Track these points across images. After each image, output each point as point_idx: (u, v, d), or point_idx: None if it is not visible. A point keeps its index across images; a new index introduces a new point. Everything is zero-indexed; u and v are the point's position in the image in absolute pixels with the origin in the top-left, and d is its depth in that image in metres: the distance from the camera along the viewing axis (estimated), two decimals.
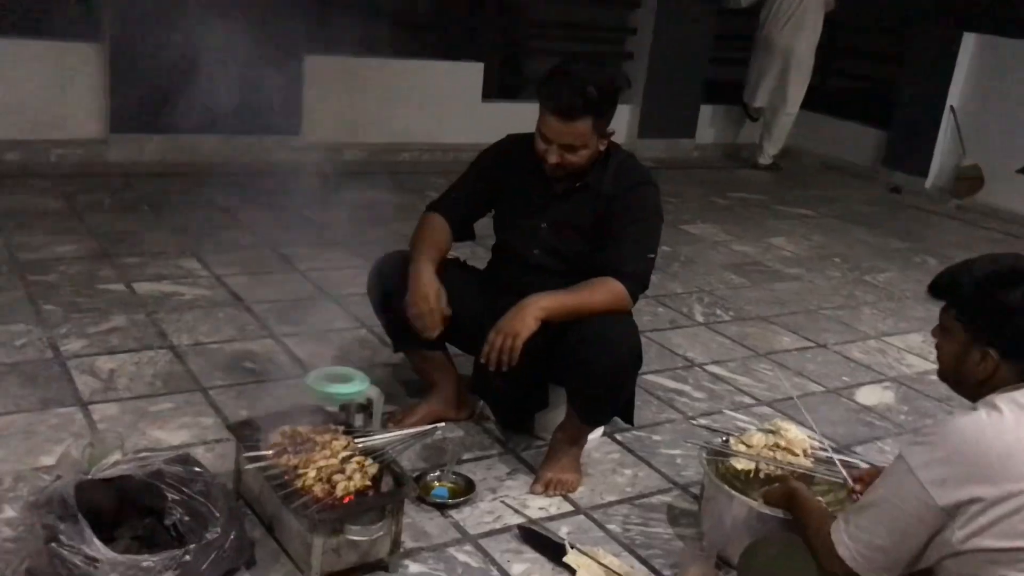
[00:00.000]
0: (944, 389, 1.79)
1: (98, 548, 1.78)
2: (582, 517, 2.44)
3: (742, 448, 2.37)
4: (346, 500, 2.02)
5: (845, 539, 1.73)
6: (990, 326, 1.69)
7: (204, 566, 1.89)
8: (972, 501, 1.57)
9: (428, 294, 2.44)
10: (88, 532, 1.79)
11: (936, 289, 1.77)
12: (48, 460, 2.33)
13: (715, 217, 5.79)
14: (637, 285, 2.46)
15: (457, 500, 2.42)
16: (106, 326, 3.20)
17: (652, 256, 2.52)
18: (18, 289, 3.43)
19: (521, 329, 2.32)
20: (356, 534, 2.02)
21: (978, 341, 1.70)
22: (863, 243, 5.58)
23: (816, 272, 4.89)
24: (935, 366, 1.84)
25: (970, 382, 1.74)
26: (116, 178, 5.03)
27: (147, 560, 1.81)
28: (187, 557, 1.86)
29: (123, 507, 1.97)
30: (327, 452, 2.11)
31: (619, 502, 2.52)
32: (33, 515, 1.89)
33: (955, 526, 1.59)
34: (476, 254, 3.04)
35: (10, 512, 2.15)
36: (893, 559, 1.68)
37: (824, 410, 3.18)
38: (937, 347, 1.80)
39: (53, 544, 1.79)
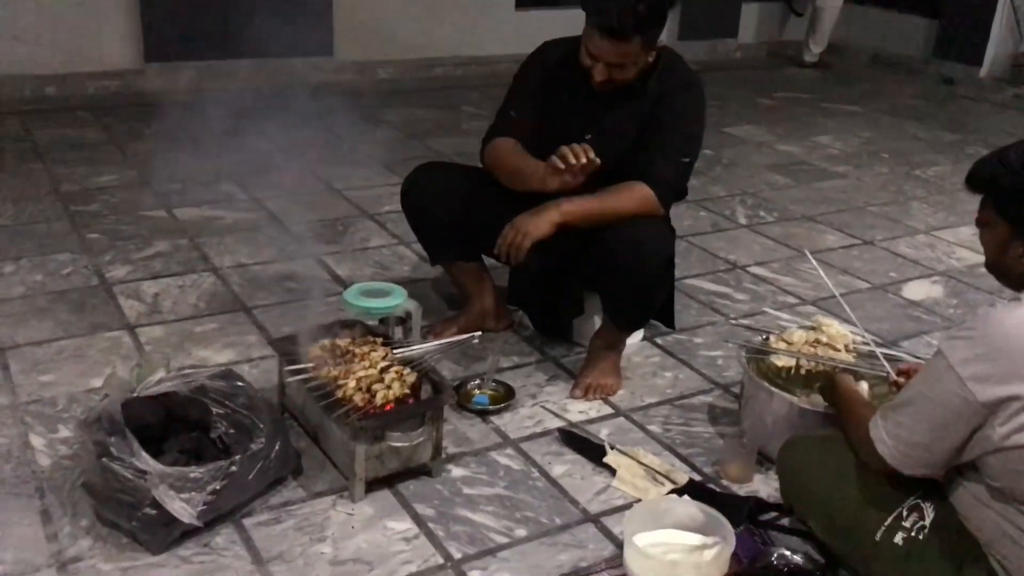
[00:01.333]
0: (994, 281, 1.73)
1: (147, 461, 1.84)
2: (622, 419, 2.45)
3: (782, 346, 2.35)
4: (387, 408, 2.05)
5: (884, 436, 1.71)
6: None
7: (251, 476, 1.95)
8: (1013, 398, 1.53)
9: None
10: (136, 446, 1.85)
11: (973, 181, 1.69)
12: (98, 382, 2.39)
13: (759, 118, 5.64)
14: (667, 190, 2.40)
15: (497, 406, 2.45)
16: (149, 252, 3.26)
17: (687, 160, 2.45)
18: (62, 219, 3.49)
19: (532, 229, 2.29)
20: (397, 440, 2.06)
21: (1018, 234, 1.63)
22: (913, 137, 5.41)
23: (864, 169, 4.76)
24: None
25: (1013, 275, 1.68)
26: (153, 107, 5.05)
27: (194, 471, 1.86)
28: (233, 468, 1.91)
29: (169, 422, 2.02)
30: (366, 363, 2.14)
31: (659, 404, 2.53)
32: (85, 433, 1.95)
33: (996, 423, 1.55)
34: None
35: (65, 432, 2.22)
36: (933, 456, 1.66)
37: (870, 306, 3.13)
38: (980, 239, 1.74)
39: (104, 459, 1.85)
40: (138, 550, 1.87)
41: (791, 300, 3.18)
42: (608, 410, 2.49)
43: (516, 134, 2.52)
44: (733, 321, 2.95)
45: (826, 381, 2.13)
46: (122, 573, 1.81)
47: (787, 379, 2.30)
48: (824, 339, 2.33)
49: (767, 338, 2.41)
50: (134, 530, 1.86)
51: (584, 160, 2.24)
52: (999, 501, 1.61)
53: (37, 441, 2.19)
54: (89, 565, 1.83)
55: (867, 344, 2.30)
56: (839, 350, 2.30)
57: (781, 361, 2.31)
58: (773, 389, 2.20)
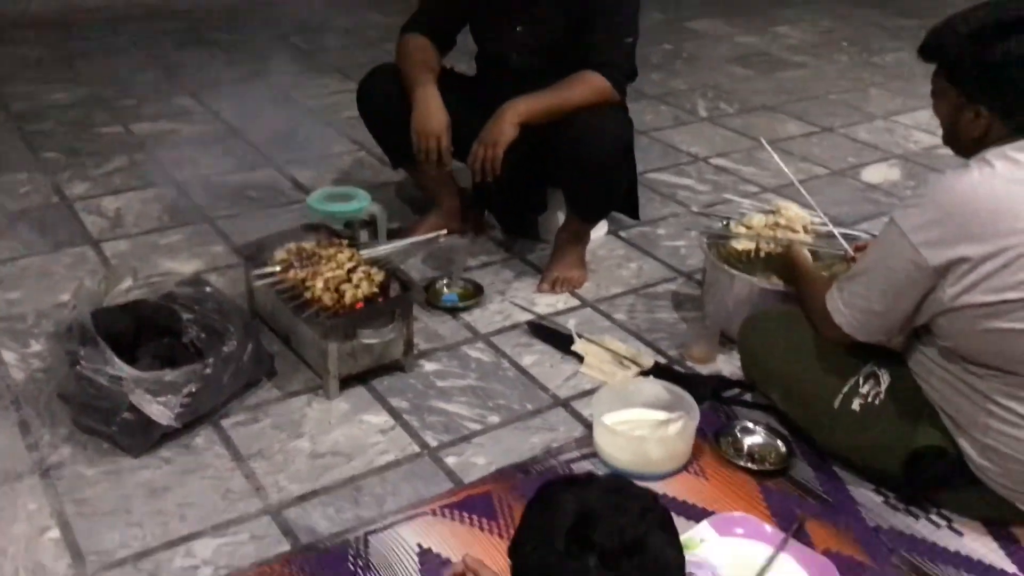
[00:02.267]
0: (951, 161, 1.76)
1: (121, 367, 1.86)
2: (589, 310, 2.50)
3: (742, 230, 2.39)
4: (356, 307, 2.07)
5: (840, 306, 1.76)
6: (978, 83, 1.64)
7: (225, 378, 1.98)
8: (962, 260, 1.58)
9: (438, 131, 2.38)
10: (109, 354, 1.87)
11: (924, 51, 1.71)
12: (66, 296, 2.39)
13: (718, 11, 5.59)
14: (618, 73, 2.40)
15: (467, 303, 2.49)
16: (108, 167, 3.22)
17: (631, 40, 2.44)
18: (15, 139, 3.43)
19: (499, 137, 2.30)
20: (369, 338, 2.09)
21: (969, 100, 1.65)
22: (872, 25, 5.40)
23: (823, 58, 4.76)
24: (942, 140, 1.80)
25: (966, 143, 1.71)
26: (101, 24, 4.91)
27: (169, 375, 1.89)
28: (208, 370, 1.94)
29: (141, 330, 2.04)
30: (333, 264, 2.16)
31: (624, 293, 2.58)
32: (57, 344, 1.97)
33: (946, 285, 1.60)
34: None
35: (36, 346, 2.23)
36: (888, 322, 1.72)
37: (830, 191, 3.18)
38: (934, 110, 1.77)
39: (78, 367, 1.87)
40: (119, 454, 1.90)
41: (752, 189, 3.21)
42: (575, 302, 2.53)
43: (427, 31, 2.54)
44: (695, 210, 2.99)
45: (782, 257, 2.17)
46: (104, 476, 1.85)
47: (747, 263, 2.34)
48: (783, 222, 2.38)
49: (727, 224, 2.45)
50: (114, 435, 1.89)
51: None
52: (950, 361, 1.68)
53: (9, 356, 2.20)
54: (72, 470, 1.86)
55: (825, 225, 2.35)
56: (797, 231, 2.35)
57: (741, 245, 2.35)
58: (733, 272, 2.25)
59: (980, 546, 1.72)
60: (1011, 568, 1.67)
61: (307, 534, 1.72)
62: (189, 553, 1.68)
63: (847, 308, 1.75)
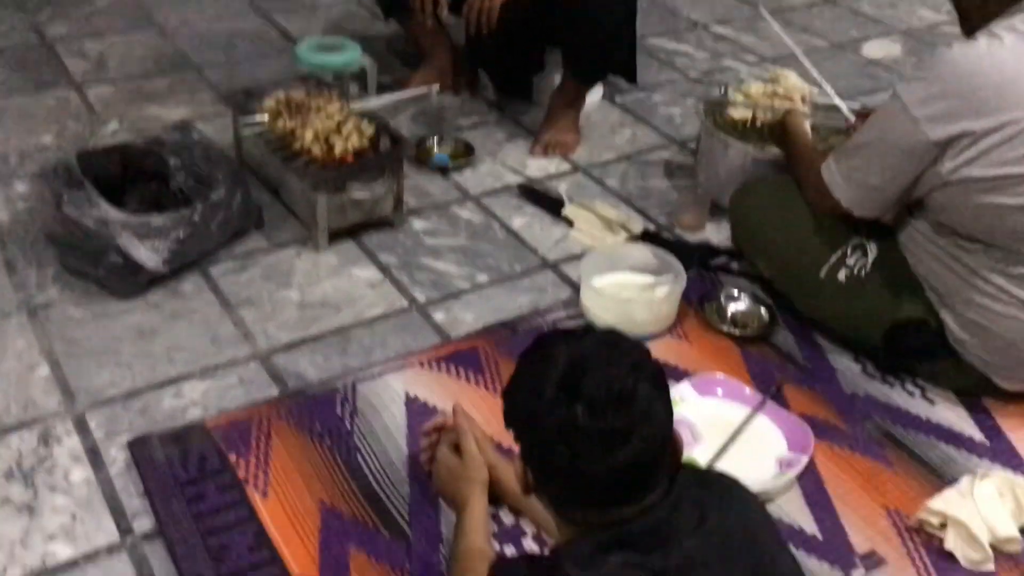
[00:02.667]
0: (958, 38, 1.72)
1: (107, 210, 1.84)
2: (580, 175, 2.48)
3: (740, 98, 2.35)
4: (346, 160, 2.05)
5: (838, 179, 1.75)
6: None
7: (213, 225, 1.97)
8: (964, 135, 1.56)
9: None
10: (95, 196, 1.84)
11: None
12: (49, 139, 2.36)
13: None
14: None
15: (457, 163, 2.46)
16: (89, 9, 3.10)
17: None
18: None
19: None
20: (358, 191, 2.07)
21: None
22: None
23: None
24: (946, 17, 1.76)
25: (974, 18, 1.67)
26: None
27: (157, 219, 1.87)
28: (196, 217, 1.92)
29: (127, 174, 2.01)
30: (323, 115, 2.11)
31: (617, 160, 2.55)
32: (41, 184, 1.94)
33: (945, 159, 1.59)
34: None
35: (20, 187, 2.20)
36: (885, 196, 1.71)
37: (829, 64, 3.09)
38: None
39: (65, 209, 1.85)
40: (107, 296, 1.90)
41: (751, 58, 3.15)
42: (566, 167, 2.51)
43: None
44: (693, 77, 2.94)
45: (777, 124, 2.15)
46: (93, 318, 1.86)
47: (743, 132, 2.31)
48: (781, 91, 2.34)
49: (725, 91, 2.40)
50: (101, 278, 1.89)
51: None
52: (941, 235, 1.69)
53: None
54: (59, 311, 1.87)
55: (824, 95, 2.32)
56: (795, 101, 2.31)
57: (738, 113, 2.31)
58: (729, 139, 2.23)
59: (952, 415, 1.77)
60: (978, 436, 1.73)
61: (296, 380, 1.75)
62: (178, 394, 1.70)
63: (844, 181, 1.74)
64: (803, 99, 2.32)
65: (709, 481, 1.10)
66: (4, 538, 1.42)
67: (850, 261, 1.82)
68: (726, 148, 2.23)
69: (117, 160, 1.99)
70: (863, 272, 1.80)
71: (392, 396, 1.67)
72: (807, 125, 2.08)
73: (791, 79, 2.36)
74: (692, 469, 1.12)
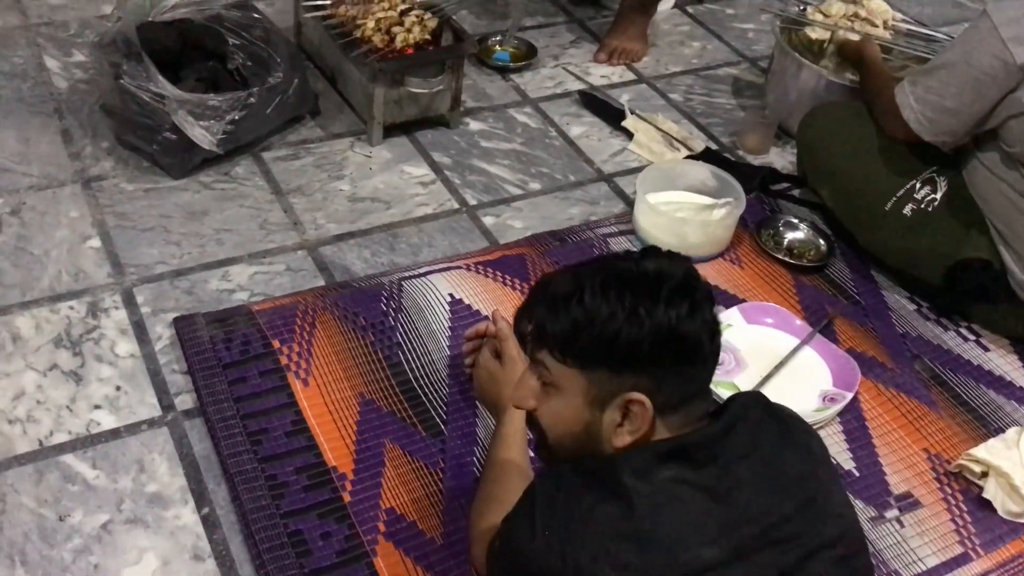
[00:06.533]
0: None
1: (164, 85, 1.82)
2: (644, 86, 2.40)
3: (819, 18, 2.25)
4: (406, 52, 2.00)
5: (911, 101, 1.68)
6: None
7: (269, 109, 1.94)
8: None
9: None
10: (153, 70, 1.82)
11: None
12: (109, 8, 2.31)
13: None
14: None
15: (518, 64, 2.40)
16: None
17: None
18: None
19: None
20: (416, 86, 2.03)
21: None
22: None
23: None
24: None
25: None
26: None
27: (213, 99, 1.85)
28: (252, 99, 1.89)
29: (185, 50, 1.98)
30: (386, 4, 2.06)
31: (683, 73, 2.47)
32: (100, 55, 1.92)
33: None
34: None
35: (79, 56, 2.19)
36: (959, 121, 1.64)
37: None
38: None
39: (122, 81, 1.83)
40: (159, 173, 1.90)
41: None
42: (631, 76, 2.44)
43: None
44: None
45: (852, 46, 2.05)
46: (144, 193, 1.86)
47: (818, 54, 2.22)
48: (863, 13, 2.23)
49: (804, 9, 2.30)
50: (155, 153, 1.88)
51: None
52: (1010, 168, 1.62)
53: (52, 64, 2.16)
54: (112, 184, 1.87)
55: (907, 22, 2.21)
56: (877, 26, 2.21)
57: (815, 34, 2.22)
58: (803, 60, 2.14)
59: (1005, 363, 1.72)
60: None
61: (342, 272, 1.74)
62: (226, 276, 1.71)
63: (918, 103, 1.67)
64: (885, 24, 2.22)
65: (771, 411, 1.08)
66: (51, 402, 1.45)
67: (919, 195, 1.76)
68: (799, 69, 2.15)
69: (176, 35, 1.96)
70: (931, 207, 1.74)
71: (436, 297, 1.66)
72: (879, 52, 1.99)
73: (876, 2, 2.25)
74: (755, 397, 1.10)
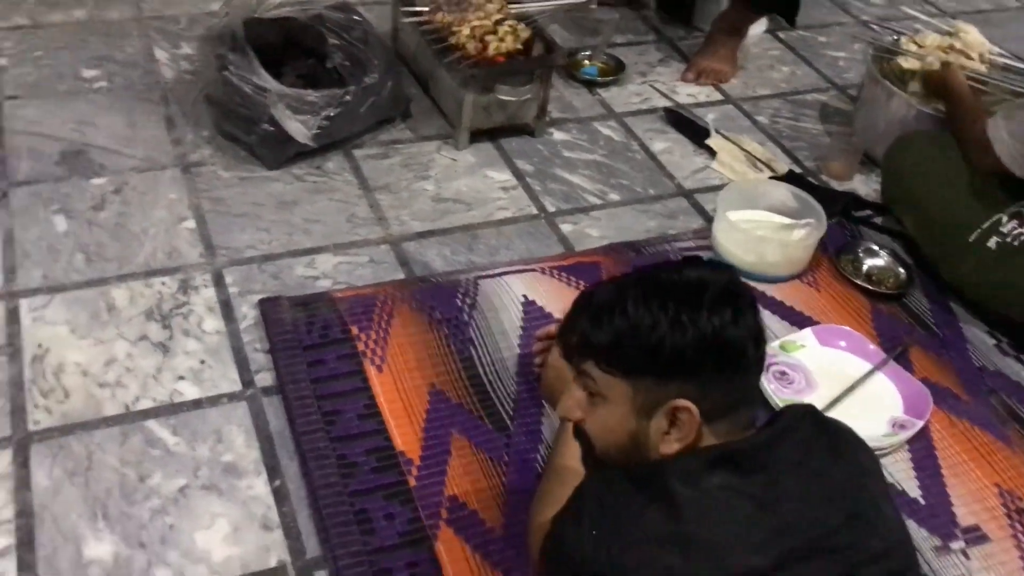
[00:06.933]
0: None
1: (266, 79, 1.90)
2: (731, 107, 2.41)
3: (912, 48, 2.23)
4: (497, 60, 2.05)
5: (1004, 135, 1.67)
6: None
7: (363, 108, 2.01)
8: None
9: None
10: (256, 63, 1.90)
11: None
12: (216, 5, 2.42)
13: None
14: None
15: (606, 79, 2.43)
16: None
17: None
18: None
19: None
20: (505, 94, 2.07)
21: None
22: None
23: None
24: None
25: None
26: None
27: (311, 95, 1.92)
28: (347, 97, 1.96)
29: (287, 47, 2.06)
30: (481, 13, 2.11)
31: (771, 96, 2.47)
32: (207, 47, 2.01)
33: None
34: None
35: (187, 49, 2.30)
36: None
37: (1015, 27, 2.91)
38: None
39: (226, 72, 1.92)
40: (255, 163, 1.98)
41: (931, 10, 2.97)
42: (718, 96, 2.45)
43: None
44: (864, 19, 2.80)
45: (939, 76, 2.03)
46: (240, 181, 1.94)
47: (910, 84, 2.20)
48: (959, 45, 2.20)
49: (898, 39, 2.28)
50: (252, 144, 1.96)
51: None
52: None
53: (161, 55, 2.27)
54: (210, 170, 1.96)
55: (1003, 56, 2.18)
56: (972, 58, 2.18)
57: (907, 63, 2.20)
58: (893, 89, 2.12)
59: None
60: None
61: (422, 268, 1.79)
62: (311, 264, 1.77)
63: (1011, 138, 1.65)
64: (981, 57, 2.19)
65: (822, 423, 1.08)
66: (139, 371, 1.53)
67: (1005, 228, 1.73)
68: (889, 97, 2.13)
69: (280, 32, 2.05)
70: (1017, 241, 1.71)
71: (511, 297, 1.70)
72: (964, 79, 1.97)
73: (972, 34, 2.22)
74: (806, 409, 1.10)
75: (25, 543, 1.27)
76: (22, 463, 1.36)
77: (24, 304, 1.61)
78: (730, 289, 1.00)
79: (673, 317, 0.98)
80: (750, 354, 1.00)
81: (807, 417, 1.07)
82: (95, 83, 2.16)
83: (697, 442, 1.01)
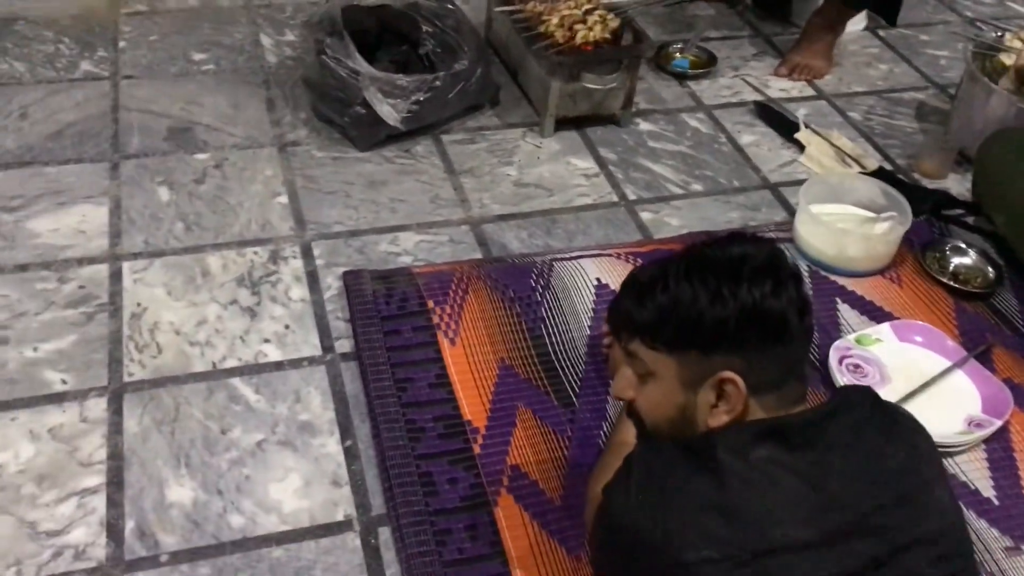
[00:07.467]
0: None
1: (360, 63, 1.98)
2: (823, 102, 2.38)
3: (1017, 44, 2.16)
4: (585, 48, 2.08)
5: None
6: None
7: (452, 94, 2.07)
8: None
9: None
10: (352, 48, 1.98)
11: None
12: None
13: None
14: None
15: (697, 72, 2.43)
16: None
17: None
18: None
19: None
20: (591, 82, 2.10)
21: None
22: None
23: None
24: None
25: None
26: None
27: (402, 79, 1.99)
28: (437, 83, 2.02)
29: (383, 33, 2.14)
30: (571, 2, 2.15)
31: (866, 93, 2.43)
32: (308, 32, 2.10)
33: None
34: None
35: (290, 36, 2.40)
36: None
37: None
38: None
39: (323, 56, 2.00)
40: (347, 144, 2.06)
41: None
42: (811, 92, 2.42)
43: None
44: (969, 15, 2.72)
45: None
46: (332, 161, 2.02)
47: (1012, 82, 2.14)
48: None
49: (1002, 35, 2.22)
50: (345, 126, 2.04)
51: None
52: None
53: (266, 41, 2.38)
54: (305, 150, 2.05)
55: None
56: None
57: (1011, 60, 2.14)
58: (993, 86, 2.06)
59: None
60: None
61: (499, 249, 1.84)
62: (394, 241, 1.83)
63: None
64: None
65: (879, 405, 1.08)
66: (228, 332, 1.61)
67: None
68: (989, 95, 2.08)
69: (375, 19, 2.12)
70: None
71: (584, 279, 1.72)
72: None
73: None
74: (864, 390, 1.09)
75: (114, 483, 1.36)
76: (116, 410, 1.46)
77: (126, 267, 1.72)
78: (771, 261, 1.01)
79: (714, 290, 0.99)
80: (793, 325, 1.00)
81: (865, 398, 1.07)
82: (204, 66, 2.28)
83: (745, 415, 1.03)
